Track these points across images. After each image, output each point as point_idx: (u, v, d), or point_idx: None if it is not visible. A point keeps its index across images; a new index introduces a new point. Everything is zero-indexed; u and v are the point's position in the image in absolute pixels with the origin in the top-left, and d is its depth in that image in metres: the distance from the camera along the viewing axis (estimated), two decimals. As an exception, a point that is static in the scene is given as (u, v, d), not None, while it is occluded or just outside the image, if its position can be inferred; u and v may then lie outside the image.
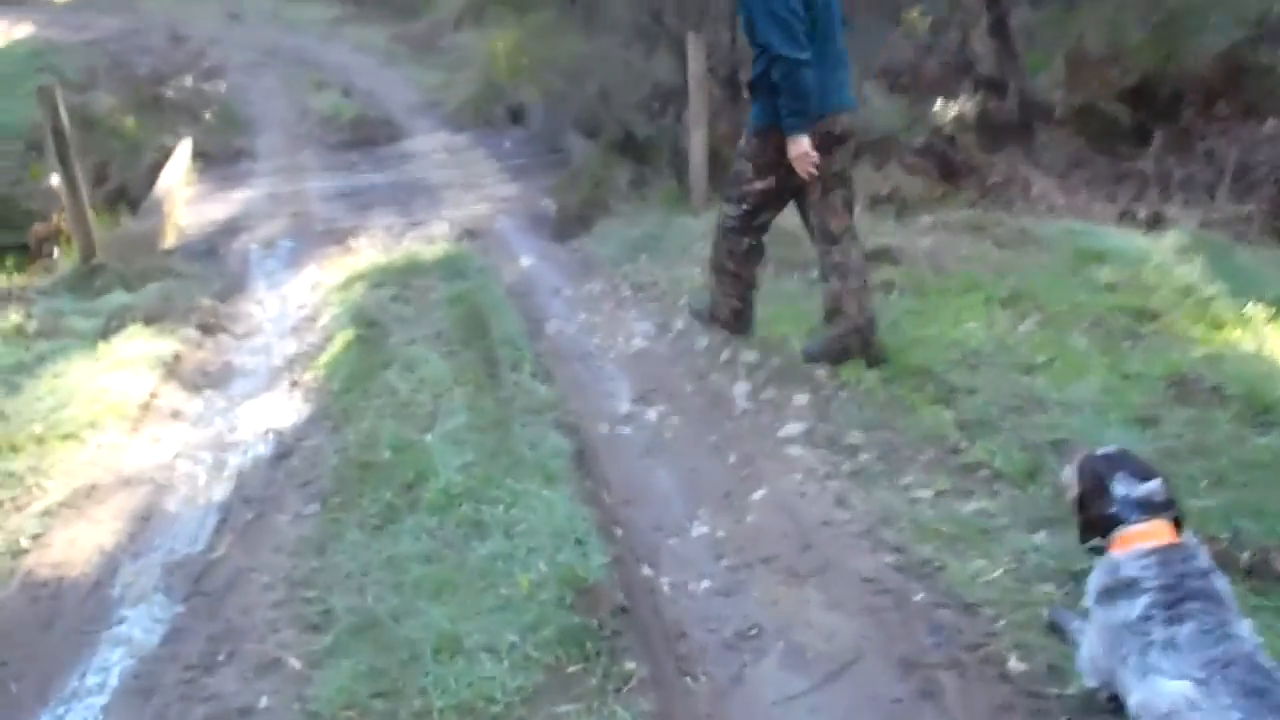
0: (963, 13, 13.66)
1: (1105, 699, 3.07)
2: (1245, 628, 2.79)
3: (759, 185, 5.64)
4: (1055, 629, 3.45)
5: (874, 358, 5.65)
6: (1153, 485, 3.05)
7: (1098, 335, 6.01)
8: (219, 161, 14.18)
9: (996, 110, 12.26)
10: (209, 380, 6.61)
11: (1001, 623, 3.52)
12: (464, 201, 11.40)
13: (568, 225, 10.17)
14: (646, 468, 5.05)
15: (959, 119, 12.17)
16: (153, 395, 6.08)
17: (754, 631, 3.69)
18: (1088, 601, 3.08)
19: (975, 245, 7.76)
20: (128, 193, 13.04)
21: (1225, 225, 8.88)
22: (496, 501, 4.36)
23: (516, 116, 15.40)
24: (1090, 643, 3.05)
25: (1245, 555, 3.63)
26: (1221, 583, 2.91)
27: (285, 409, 5.90)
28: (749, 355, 6.08)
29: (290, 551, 4.27)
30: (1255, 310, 6.35)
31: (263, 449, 5.39)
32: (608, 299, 7.79)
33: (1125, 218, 9.05)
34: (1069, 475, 3.31)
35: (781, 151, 5.29)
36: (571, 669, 3.40)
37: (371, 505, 4.49)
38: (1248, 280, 7.06)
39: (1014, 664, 3.32)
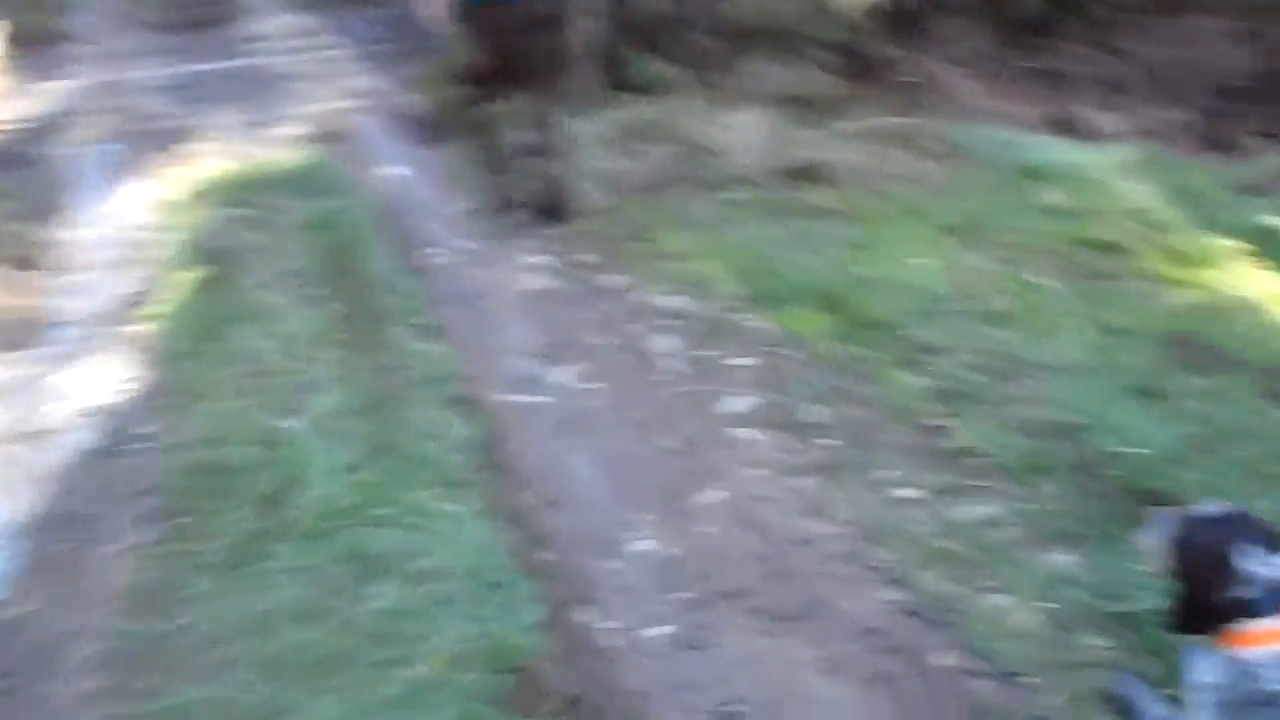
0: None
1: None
2: None
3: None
4: (1121, 709, 2.70)
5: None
6: (1293, 560, 2.28)
7: (1063, 274, 5.30)
8: (34, 46, 12.45)
9: (902, -1, 11.36)
10: (12, 336, 5.41)
11: (1052, 699, 2.76)
12: (317, 96, 10.06)
13: (442, 126, 8.99)
14: (566, 453, 4.15)
15: (862, 7, 11.25)
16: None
17: (738, 708, 2.87)
18: (1195, 703, 2.33)
19: (906, 160, 6.95)
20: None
21: (1156, 134, 8.23)
22: (389, 523, 3.43)
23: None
24: (1202, 756, 2.30)
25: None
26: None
27: (113, 378, 4.79)
28: (670, 300, 5.19)
29: (115, 606, 3.26)
30: (1223, 244, 5.71)
31: (83, 441, 4.29)
32: (495, 220, 6.76)
33: (1053, 124, 8.33)
34: (1157, 540, 2.54)
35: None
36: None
37: (227, 529, 3.50)
38: (1204, 205, 6.42)
39: (1083, 765, 2.57)
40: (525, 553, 3.40)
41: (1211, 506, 2.46)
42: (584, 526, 3.66)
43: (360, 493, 3.56)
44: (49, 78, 11.11)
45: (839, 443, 3.99)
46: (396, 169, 7.98)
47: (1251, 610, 2.24)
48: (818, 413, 4.18)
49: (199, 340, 4.88)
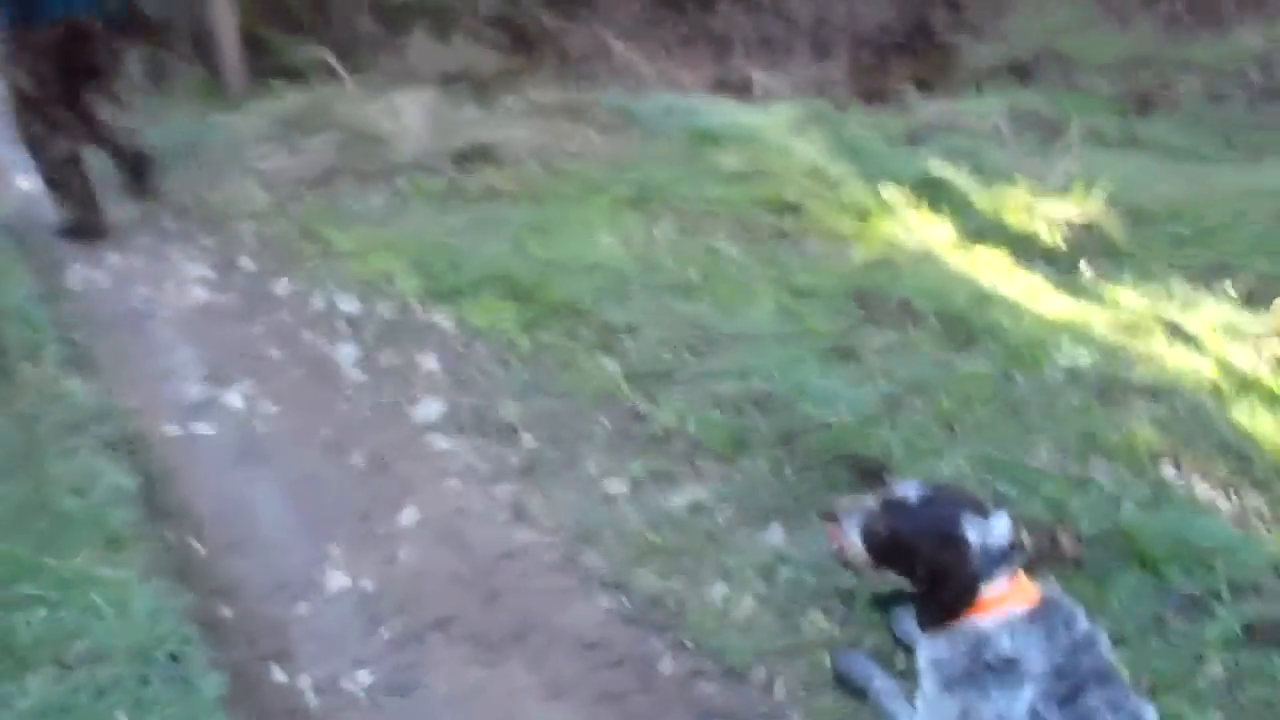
0: None
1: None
2: (1152, 716, 2.10)
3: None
4: (846, 683, 2.65)
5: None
6: (1005, 523, 2.27)
7: (746, 239, 5.33)
8: None
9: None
10: None
11: (783, 690, 2.67)
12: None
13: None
14: (243, 487, 3.77)
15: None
16: None
17: (455, 755, 2.64)
18: (924, 680, 2.28)
19: (579, 134, 6.83)
20: None
21: (816, 89, 8.51)
22: (34, 603, 2.95)
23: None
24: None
25: (1027, 538, 2.99)
26: (1106, 644, 2.20)
27: None
28: (347, 302, 4.86)
29: None
30: (892, 194, 5.90)
31: None
32: (145, 231, 6.17)
33: (719, 86, 8.45)
34: (847, 536, 2.47)
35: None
36: None
37: None
38: (870, 157, 6.64)
39: (820, 757, 2.49)
40: (203, 612, 3.02)
41: (912, 486, 2.42)
42: (269, 570, 3.31)
43: (16, 575, 3.06)
44: None
45: (538, 442, 3.80)
46: (26, 182, 7.18)
47: (980, 580, 2.21)
48: (513, 411, 3.97)
49: None
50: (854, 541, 2.43)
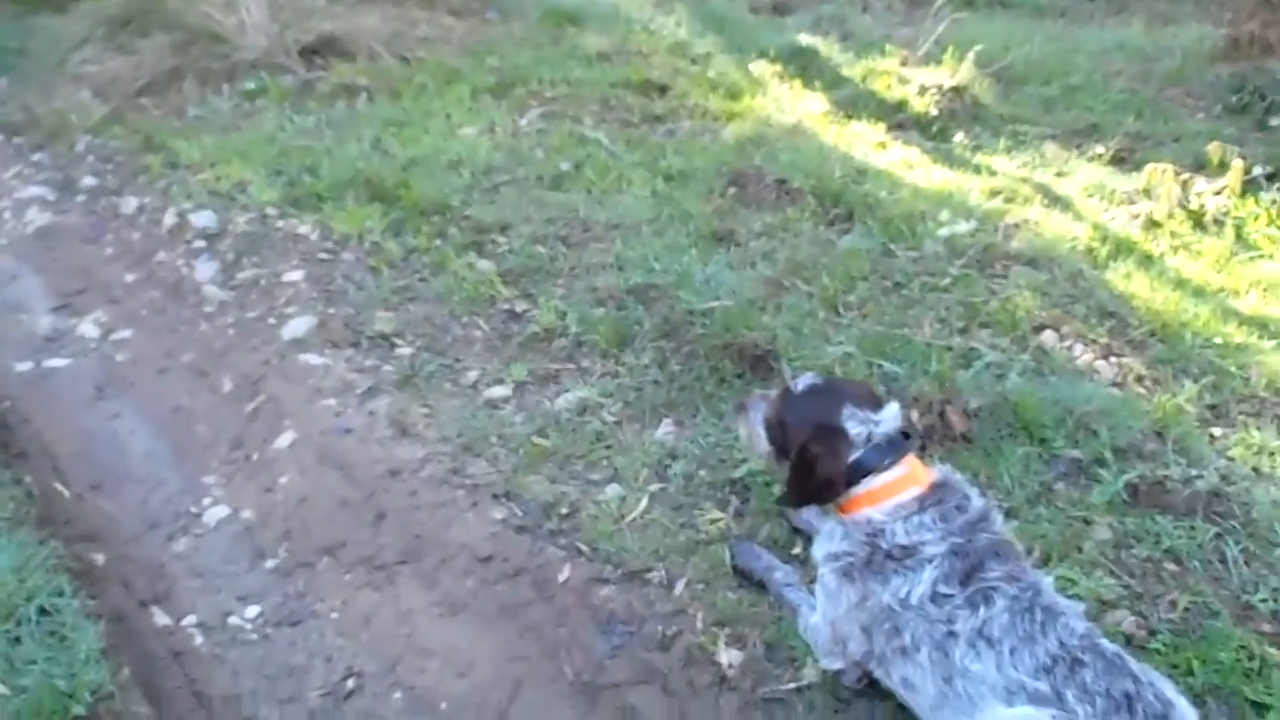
0: None
1: (856, 681, 2.32)
2: (1049, 586, 2.10)
3: None
4: (745, 576, 2.63)
5: None
6: (893, 411, 2.23)
7: (615, 123, 5.17)
8: None
9: None
10: None
11: (683, 588, 2.63)
12: None
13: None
14: (106, 419, 3.57)
15: None
16: None
17: (352, 682, 2.55)
18: (823, 571, 2.26)
19: (431, 19, 6.54)
20: None
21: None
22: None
23: None
24: (835, 621, 2.24)
25: (918, 417, 2.98)
26: (999, 519, 2.20)
27: None
28: (202, 218, 4.59)
29: None
30: (760, 68, 5.78)
31: None
32: (-28, 150, 5.76)
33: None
34: (753, 427, 2.43)
35: None
36: None
37: None
38: (736, 31, 6.48)
39: (725, 655, 2.46)
40: (72, 560, 2.86)
41: (801, 379, 2.37)
42: (140, 508, 3.15)
43: None
44: None
45: (412, 349, 3.67)
46: None
47: (863, 470, 2.17)
48: (385, 320, 3.81)
49: None
50: (759, 432, 2.39)
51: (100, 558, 2.94)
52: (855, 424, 2.18)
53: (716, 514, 2.83)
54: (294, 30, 6.00)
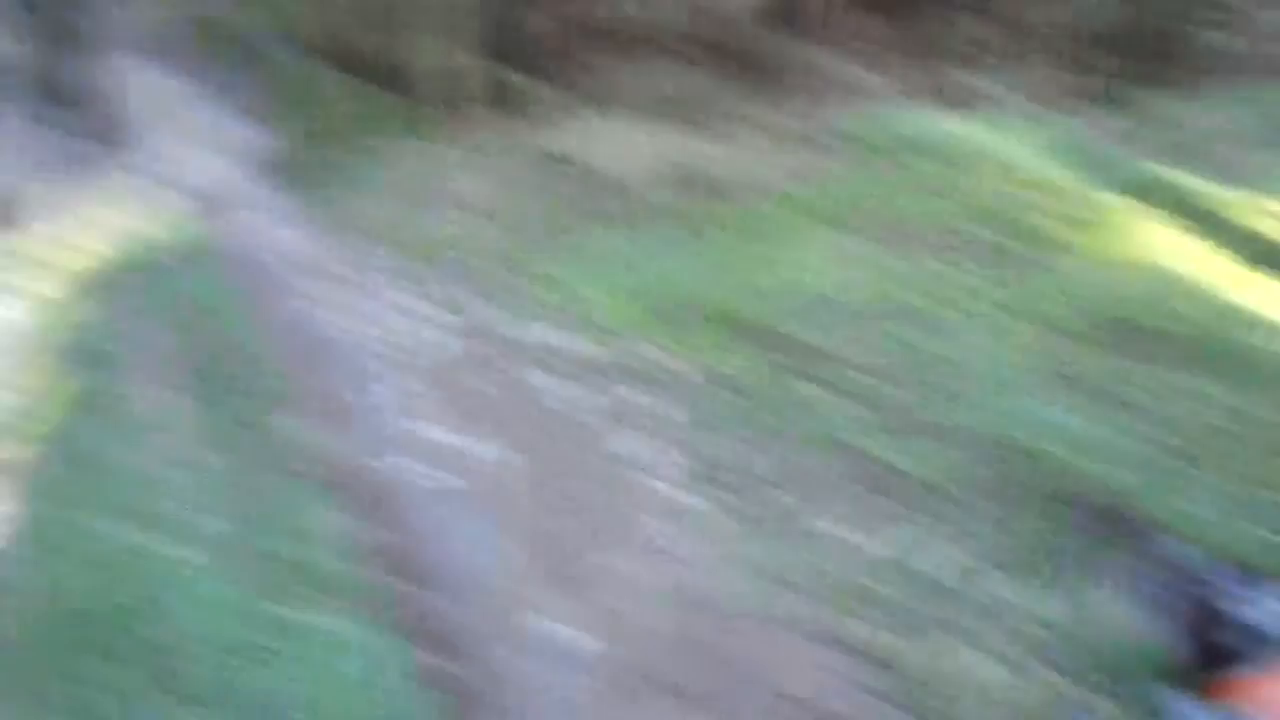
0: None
1: None
2: None
3: None
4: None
5: None
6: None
7: (973, 259, 5.06)
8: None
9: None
10: None
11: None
12: (166, 137, 9.42)
13: (298, 165, 8.52)
14: (464, 529, 3.74)
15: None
16: None
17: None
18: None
19: (797, 156, 6.67)
20: None
21: (1036, 94, 8.11)
22: (280, 658, 3.02)
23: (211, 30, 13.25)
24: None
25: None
26: None
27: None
28: (567, 340, 4.84)
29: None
30: (1118, 202, 5.54)
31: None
32: (367, 270, 6.33)
33: (937, 95, 8.15)
34: None
35: None
36: None
37: (108, 699, 3.04)
38: (1092, 163, 6.25)
39: None
40: (423, 667, 3.03)
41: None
42: (494, 621, 3.28)
43: (247, 624, 3.15)
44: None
45: (774, 490, 3.65)
46: (262, 218, 7.54)
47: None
48: (743, 453, 3.85)
49: (75, 465, 4.39)
50: None
51: (450, 667, 3.07)
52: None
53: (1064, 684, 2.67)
54: (665, 166, 6.31)
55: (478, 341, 5.03)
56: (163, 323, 5.59)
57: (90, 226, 7.45)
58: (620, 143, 6.50)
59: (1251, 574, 2.12)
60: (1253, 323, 4.16)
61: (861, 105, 7.68)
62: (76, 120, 9.41)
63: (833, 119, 7.03)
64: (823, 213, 5.63)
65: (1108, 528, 3.08)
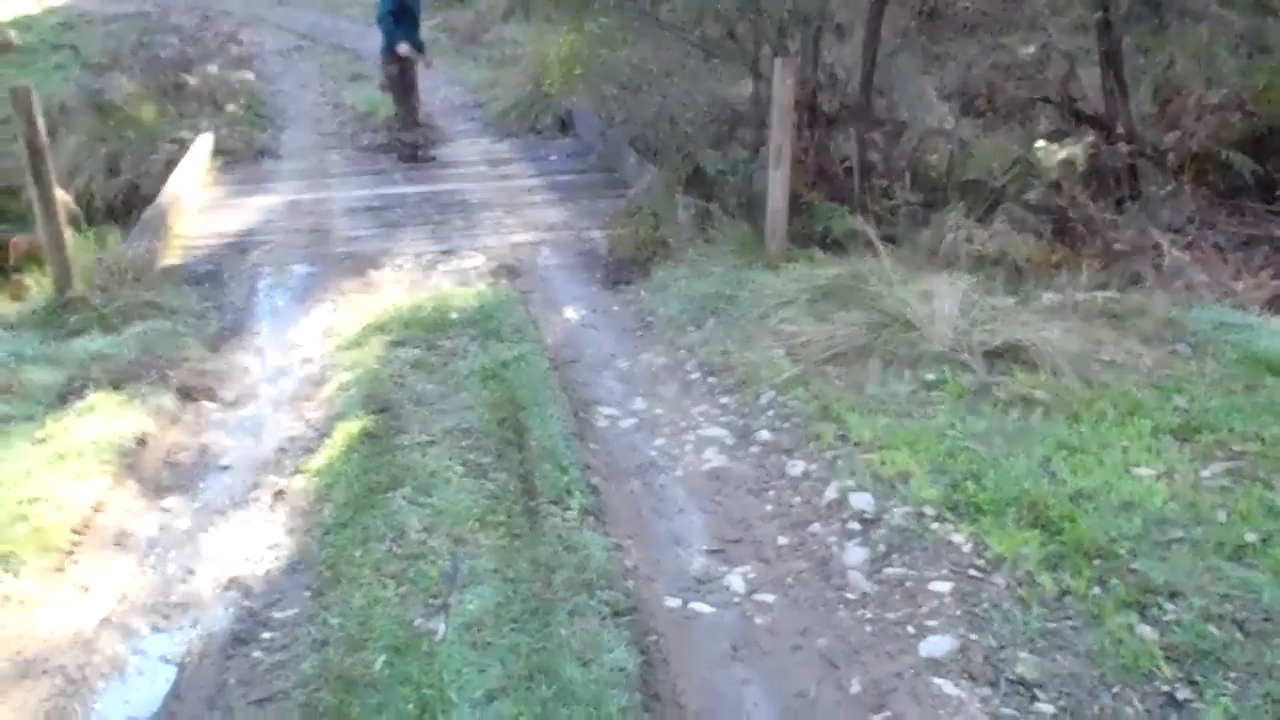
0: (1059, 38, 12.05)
1: None
2: None
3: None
4: None
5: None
6: None
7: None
8: (240, 160, 12.93)
9: (1106, 155, 10.72)
10: (175, 478, 5.28)
11: None
12: (503, 226, 10.04)
13: (622, 268, 8.82)
14: (735, 684, 3.69)
15: (1065, 163, 10.67)
16: (97, 509, 4.76)
17: None
18: None
19: (1118, 341, 6.32)
20: (139, 191, 11.95)
21: None
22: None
23: (565, 125, 14.06)
24: None
25: None
26: None
27: (260, 540, 4.58)
28: (861, 499, 4.70)
29: None
30: None
31: (219, 619, 4.05)
32: (671, 379, 6.43)
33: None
34: None
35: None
36: None
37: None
38: None
39: None
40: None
41: None
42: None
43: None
44: (251, 192, 11.43)
45: (1054, 708, 3.42)
46: (577, 312, 7.80)
47: None
48: (1027, 664, 3.61)
49: (350, 508, 4.63)
50: None
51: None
52: None
53: None
54: (980, 331, 6.10)
55: (777, 483, 4.99)
56: (451, 378, 5.85)
57: (419, 285, 7.91)
58: (939, 299, 6.33)
59: None
60: None
61: (1191, 296, 7.24)
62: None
63: (1158, 306, 6.62)
64: (1139, 407, 5.30)
65: None
